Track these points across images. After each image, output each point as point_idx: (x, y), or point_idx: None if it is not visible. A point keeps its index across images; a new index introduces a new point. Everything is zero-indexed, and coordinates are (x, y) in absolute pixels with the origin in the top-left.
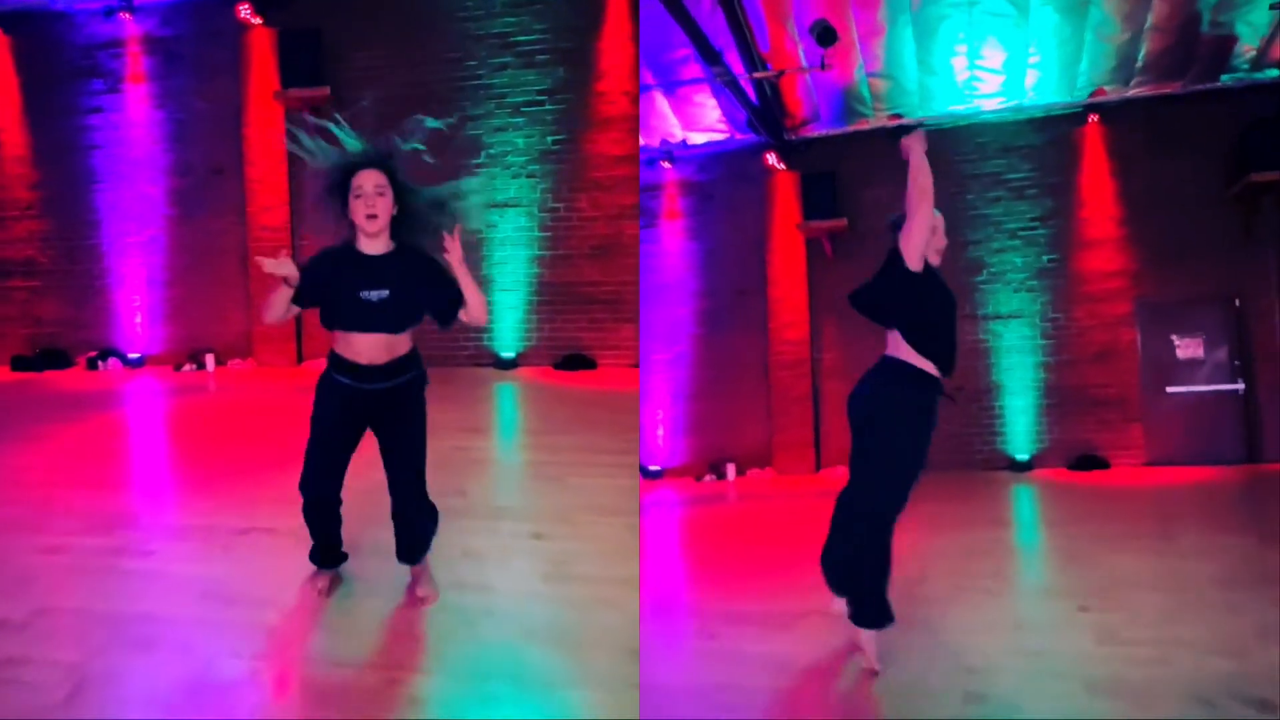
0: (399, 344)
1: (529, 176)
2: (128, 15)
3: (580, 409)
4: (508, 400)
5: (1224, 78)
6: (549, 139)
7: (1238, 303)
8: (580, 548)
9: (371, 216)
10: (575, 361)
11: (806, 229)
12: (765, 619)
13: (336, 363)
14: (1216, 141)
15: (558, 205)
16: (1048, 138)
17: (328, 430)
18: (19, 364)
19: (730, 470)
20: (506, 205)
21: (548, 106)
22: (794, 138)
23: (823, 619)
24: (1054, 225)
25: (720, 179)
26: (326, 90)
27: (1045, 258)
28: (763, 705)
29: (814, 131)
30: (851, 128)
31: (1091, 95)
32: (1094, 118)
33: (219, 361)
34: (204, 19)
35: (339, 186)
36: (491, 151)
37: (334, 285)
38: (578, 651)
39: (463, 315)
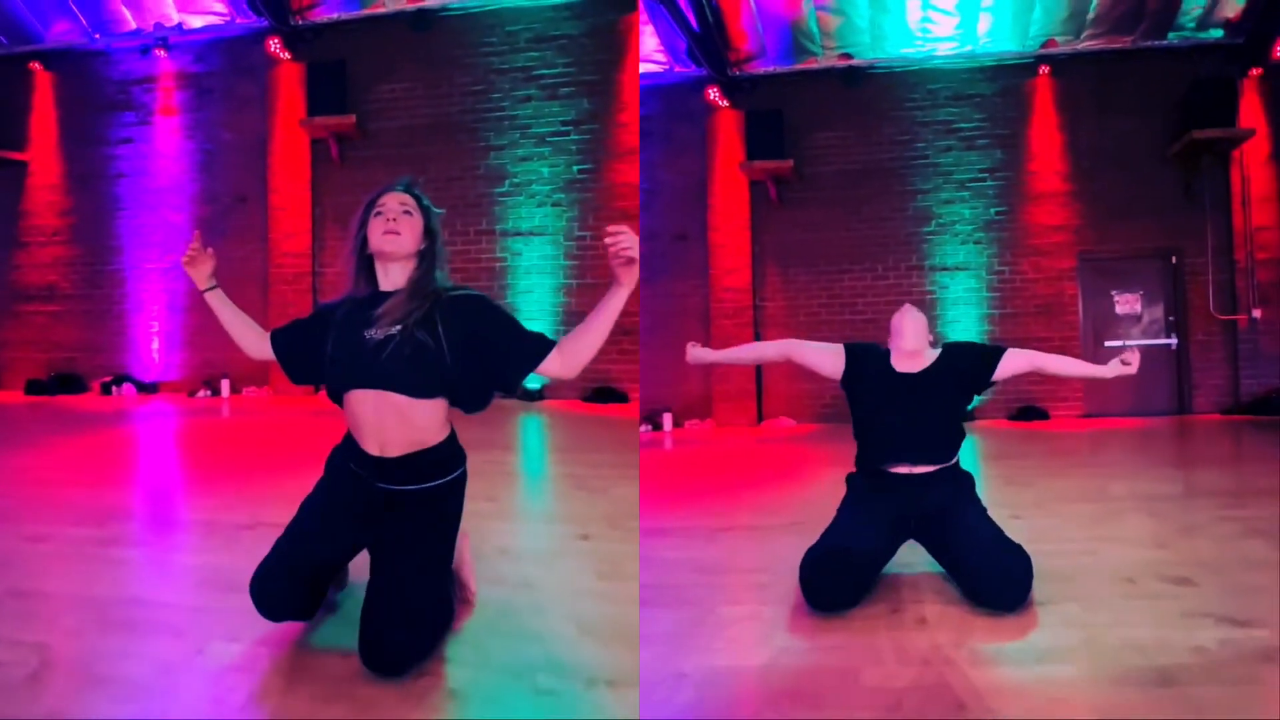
0: (420, 423)
1: (554, 205)
2: (163, 52)
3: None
4: (534, 428)
5: (1171, 35)
6: (574, 168)
7: (1174, 260)
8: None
9: (392, 234)
10: (606, 395)
11: (750, 169)
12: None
13: (348, 445)
14: (1161, 99)
15: (584, 234)
16: (999, 87)
17: (310, 516)
18: (32, 388)
19: (667, 421)
20: (532, 234)
21: (572, 137)
22: (738, 73)
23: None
24: (1003, 178)
25: (658, 115)
26: (353, 119)
27: (993, 210)
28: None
29: (760, 68)
30: (800, 66)
31: (1043, 45)
32: (1045, 69)
33: (234, 388)
34: (235, 55)
35: (362, 226)
36: (516, 180)
37: (334, 333)
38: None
39: (551, 367)
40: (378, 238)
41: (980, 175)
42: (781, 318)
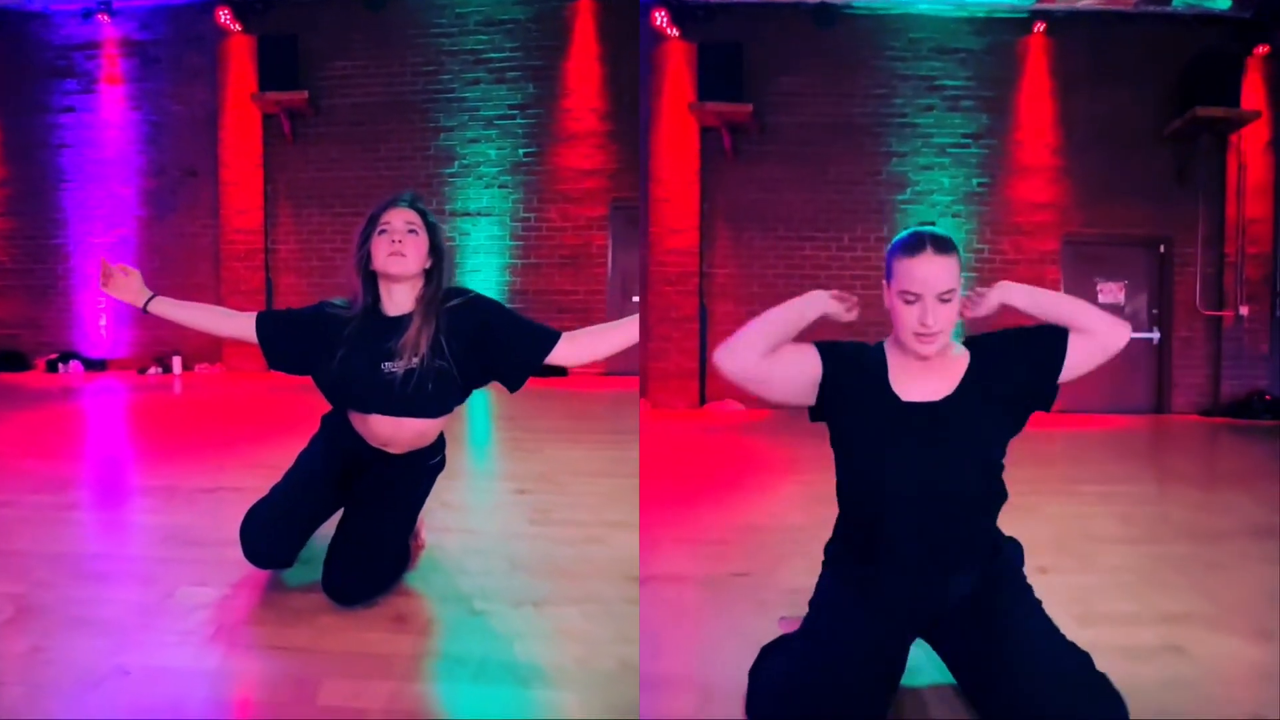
0: (431, 430)
1: (501, 187)
2: (106, 18)
3: (551, 403)
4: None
5: (1176, 2)
6: (520, 151)
7: (1163, 249)
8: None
9: (398, 255)
10: (546, 369)
11: (701, 112)
12: None
13: (345, 428)
14: (1161, 71)
15: (528, 216)
16: (989, 43)
17: (306, 470)
18: None
19: (176, 364)
20: (479, 215)
21: (519, 120)
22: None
23: None
24: (987, 145)
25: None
26: (305, 94)
27: (975, 181)
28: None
29: None
30: None
31: (1040, 0)
32: (1040, 27)
33: (186, 365)
34: (183, 24)
35: (365, 241)
36: (465, 162)
37: (342, 353)
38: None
39: (557, 356)
40: (383, 259)
41: (963, 140)
42: (732, 288)
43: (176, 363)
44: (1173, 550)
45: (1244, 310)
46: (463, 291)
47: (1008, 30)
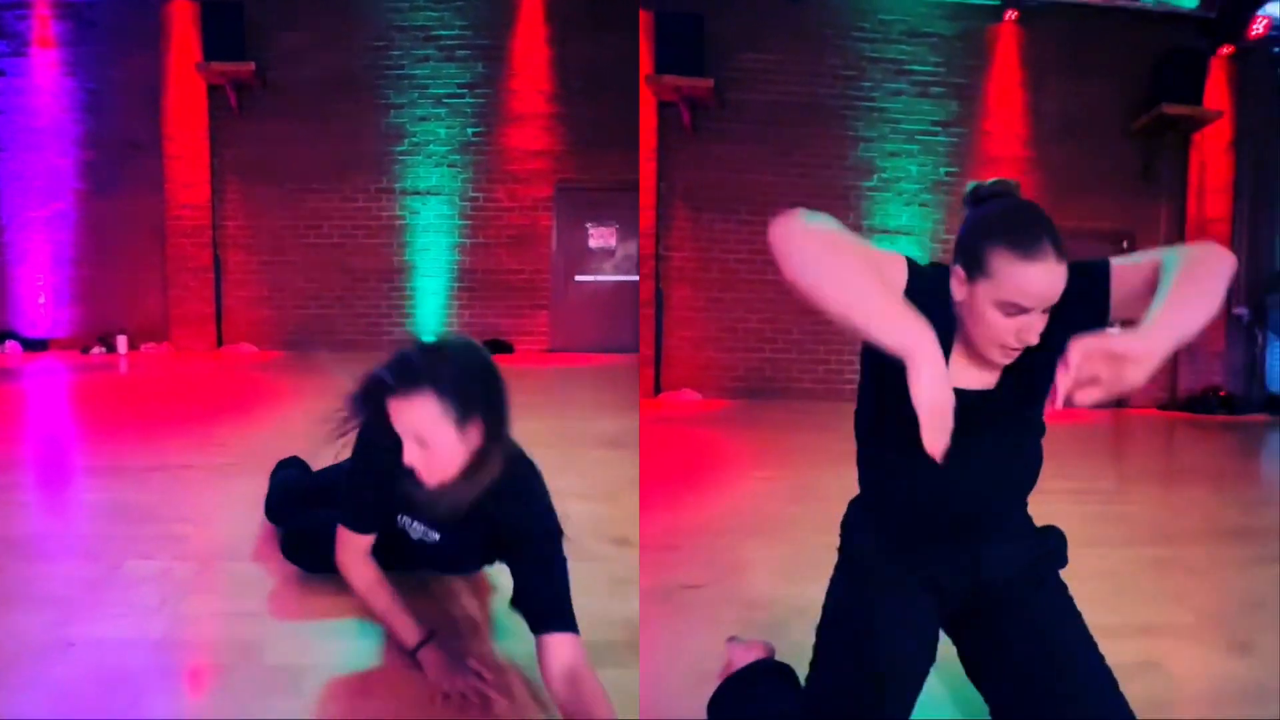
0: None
1: (450, 166)
2: None
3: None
4: None
5: None
6: (469, 130)
7: (1126, 245)
8: None
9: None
10: (494, 346)
11: (658, 85)
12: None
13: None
14: (1130, 67)
15: (477, 195)
16: (960, 29)
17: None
18: None
19: (121, 343)
20: (429, 193)
21: (467, 99)
22: None
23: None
24: (956, 134)
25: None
26: (251, 66)
27: (943, 170)
28: None
29: None
30: None
31: None
32: (1012, 15)
33: (132, 344)
34: None
35: None
36: (415, 140)
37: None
38: None
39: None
40: (409, 457)
41: (932, 128)
42: (690, 271)
43: (121, 342)
44: (1146, 553)
45: None
46: (522, 499)
47: (979, 16)
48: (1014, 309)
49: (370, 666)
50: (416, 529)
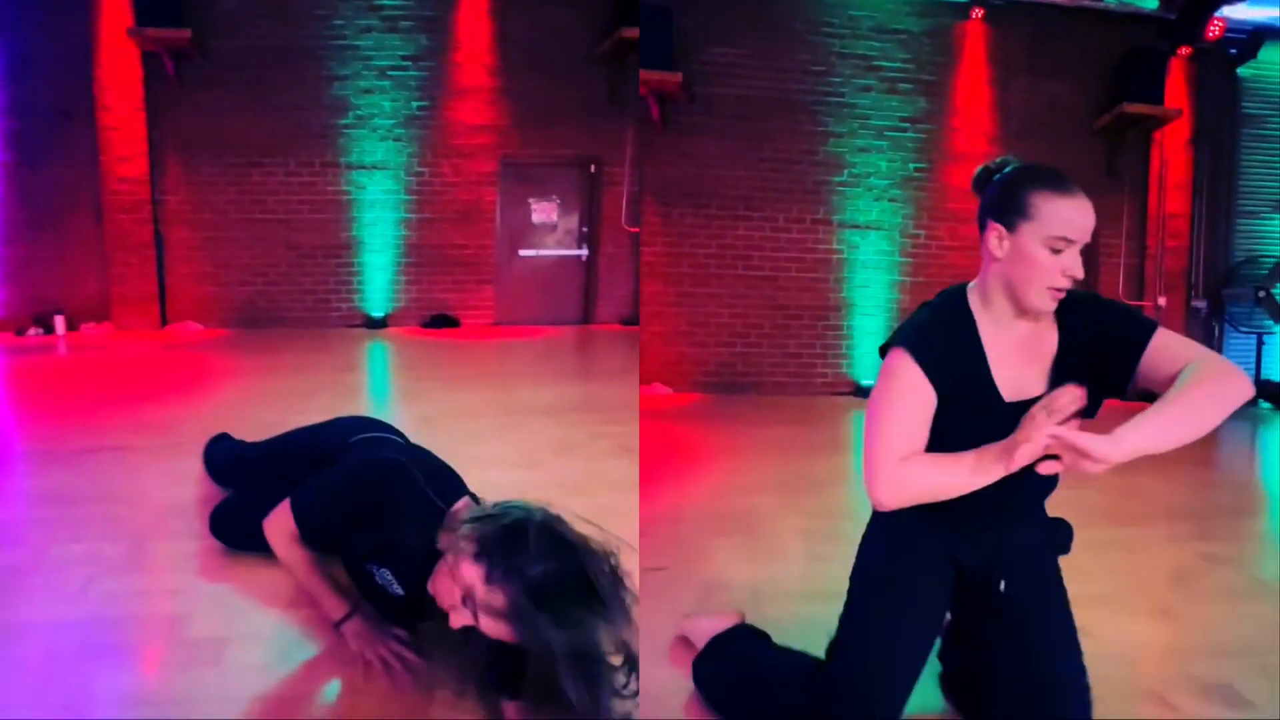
0: None
1: (395, 140)
2: None
3: (445, 354)
4: (379, 353)
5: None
6: (414, 104)
7: (1091, 239)
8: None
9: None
10: (441, 321)
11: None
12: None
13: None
14: (1094, 66)
15: (423, 170)
16: (929, 26)
17: None
18: None
19: (59, 324)
20: (375, 168)
21: (412, 72)
22: None
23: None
24: (924, 130)
25: None
26: (188, 33)
27: (912, 165)
28: None
29: None
30: None
31: None
32: (978, 13)
33: (70, 325)
34: None
35: None
36: (359, 113)
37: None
38: None
39: None
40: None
41: (901, 124)
42: (661, 266)
43: (59, 322)
44: (1095, 536)
45: (1162, 300)
46: None
47: (947, 14)
48: (1062, 242)
49: (294, 640)
50: (383, 575)
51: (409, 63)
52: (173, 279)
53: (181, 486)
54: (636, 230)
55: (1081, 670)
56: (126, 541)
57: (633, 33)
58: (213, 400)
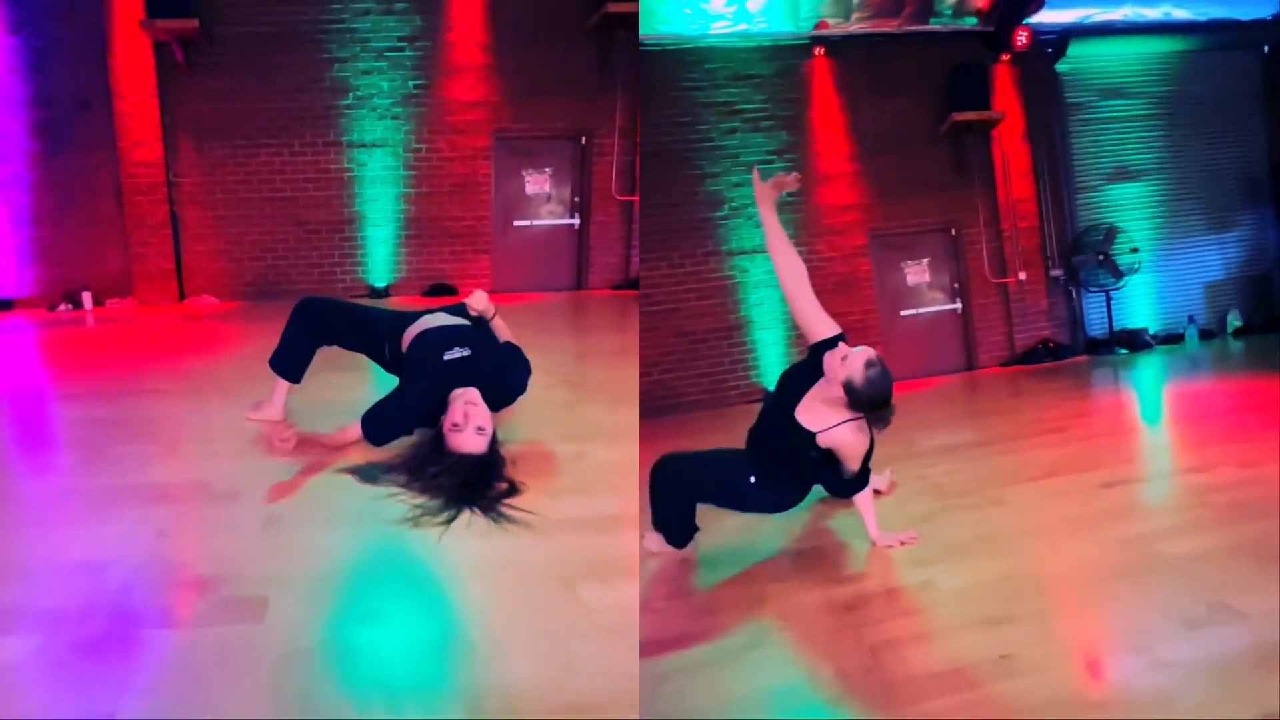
0: None
1: (394, 118)
2: None
3: None
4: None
5: (933, 21)
6: (410, 84)
7: (954, 232)
8: None
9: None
10: (440, 290)
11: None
12: None
13: None
14: (928, 82)
15: (420, 146)
16: (778, 68)
17: None
18: None
19: (87, 299)
20: (375, 145)
21: (408, 52)
22: None
23: None
24: (791, 159)
25: None
26: (196, 23)
27: (785, 193)
28: None
29: None
30: None
31: (816, 27)
32: (819, 50)
33: (97, 301)
34: None
35: None
36: (359, 94)
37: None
38: None
39: None
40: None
41: (768, 157)
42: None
43: (87, 298)
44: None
45: (1023, 275)
46: None
47: (792, 55)
48: None
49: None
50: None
51: (405, 43)
52: (189, 256)
53: (205, 414)
54: (626, 199)
55: None
56: (163, 443)
57: (619, 7)
58: (229, 357)
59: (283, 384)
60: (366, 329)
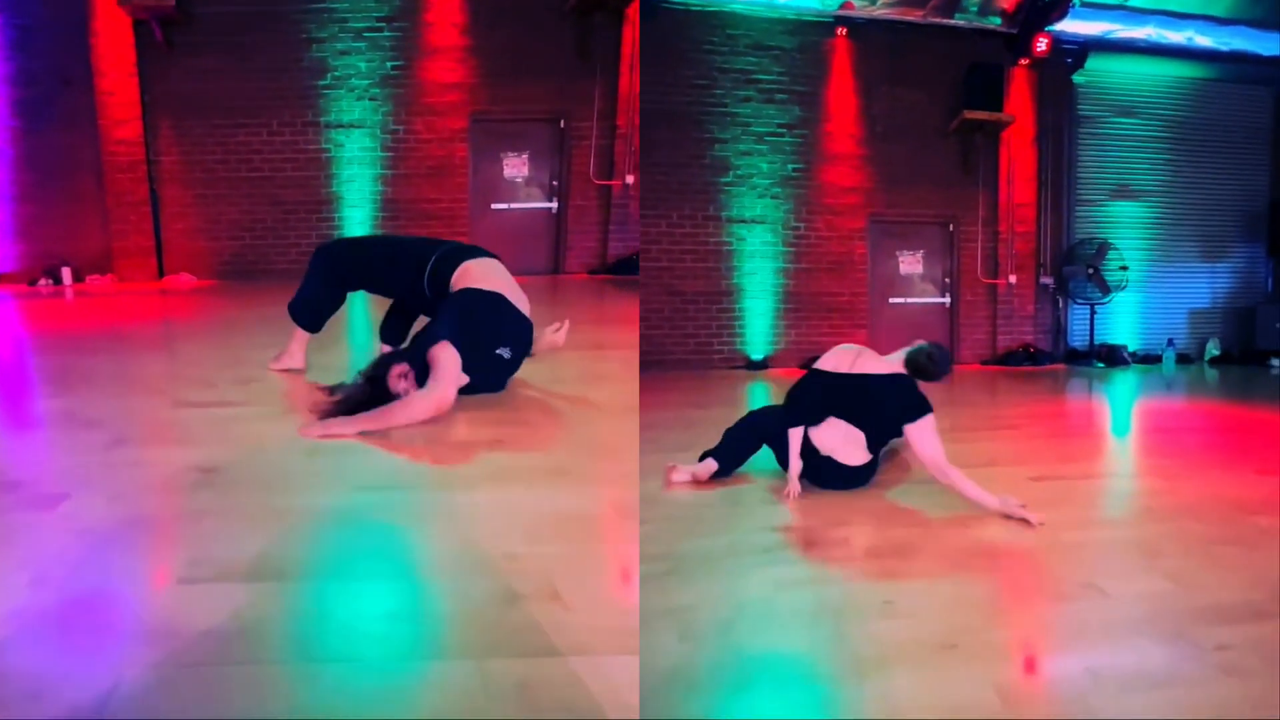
0: None
1: (371, 100)
2: None
3: None
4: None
5: (957, 16)
6: (388, 64)
7: (951, 227)
8: None
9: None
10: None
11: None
12: None
13: None
14: (946, 77)
15: (398, 127)
16: (799, 43)
17: None
18: None
19: (66, 275)
20: (352, 126)
21: (386, 33)
22: None
23: None
24: (800, 135)
25: None
26: (173, 1)
27: (790, 166)
28: None
29: None
30: None
31: (841, 7)
32: (842, 31)
33: (76, 277)
34: None
35: None
36: (337, 74)
37: None
38: None
39: None
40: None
41: (778, 130)
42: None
43: (66, 274)
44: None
45: (1013, 278)
46: None
47: (815, 32)
48: None
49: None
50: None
51: (383, 24)
52: (168, 234)
53: (179, 363)
54: (605, 183)
55: None
56: (143, 386)
57: None
58: (206, 322)
59: (300, 333)
60: (400, 264)
